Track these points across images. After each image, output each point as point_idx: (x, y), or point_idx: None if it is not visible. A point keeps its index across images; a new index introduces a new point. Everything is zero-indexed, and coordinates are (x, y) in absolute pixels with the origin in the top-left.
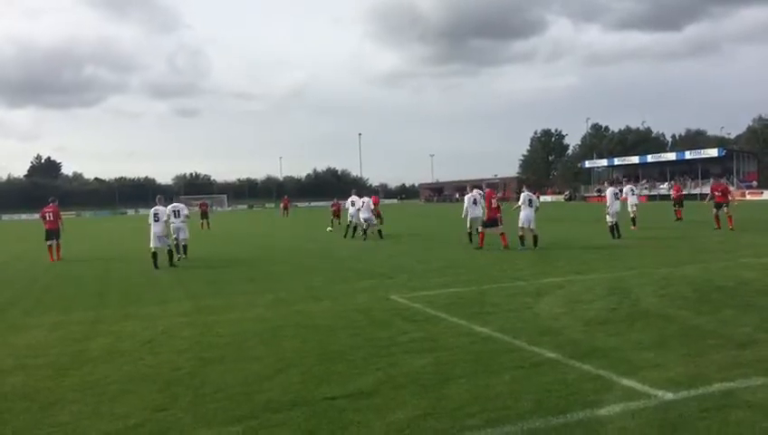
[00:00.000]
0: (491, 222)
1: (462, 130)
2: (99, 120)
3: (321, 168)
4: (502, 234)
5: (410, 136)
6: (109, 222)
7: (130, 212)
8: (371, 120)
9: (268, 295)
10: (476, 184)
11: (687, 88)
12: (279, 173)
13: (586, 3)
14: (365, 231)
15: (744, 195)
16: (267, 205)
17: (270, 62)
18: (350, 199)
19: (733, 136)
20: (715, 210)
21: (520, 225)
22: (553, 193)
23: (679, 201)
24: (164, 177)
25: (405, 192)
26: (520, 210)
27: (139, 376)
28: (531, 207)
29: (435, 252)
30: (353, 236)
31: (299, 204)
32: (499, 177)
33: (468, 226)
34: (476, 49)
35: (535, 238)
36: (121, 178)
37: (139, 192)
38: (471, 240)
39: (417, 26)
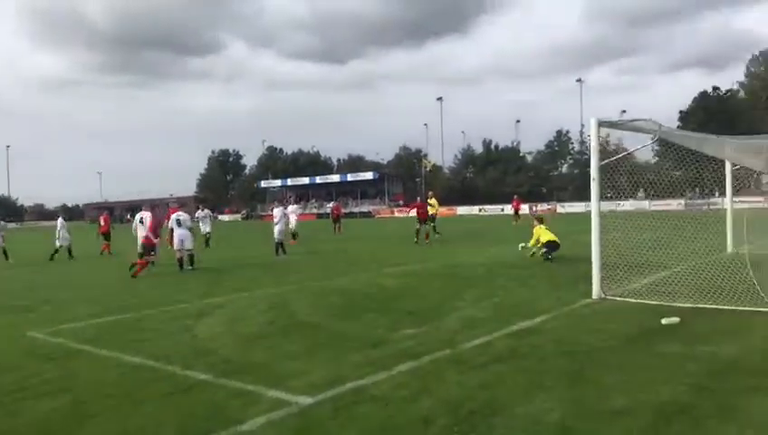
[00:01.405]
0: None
1: (136, 146)
2: None
3: None
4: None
5: (75, 151)
6: None
7: None
8: (24, 131)
9: None
10: (155, 204)
11: (351, 116)
12: None
13: (261, 29)
14: None
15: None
16: None
17: None
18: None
19: (385, 161)
20: (417, 226)
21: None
22: (231, 212)
23: (337, 219)
24: None
25: (68, 212)
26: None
27: None
28: (181, 227)
29: (90, 277)
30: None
31: None
32: (176, 196)
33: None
34: (151, 62)
35: (191, 258)
36: None
37: None
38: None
39: (83, 31)
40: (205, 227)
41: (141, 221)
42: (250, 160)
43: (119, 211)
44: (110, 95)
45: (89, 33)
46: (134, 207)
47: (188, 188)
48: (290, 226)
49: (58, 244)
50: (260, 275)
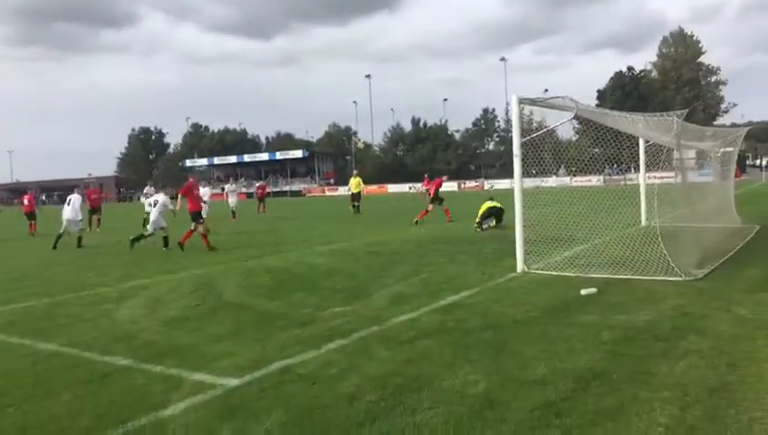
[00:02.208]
0: None
1: (50, 124)
2: None
3: None
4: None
5: None
6: None
7: None
8: None
9: None
10: (74, 184)
11: (278, 94)
12: None
13: (178, 0)
14: None
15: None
16: None
17: None
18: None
19: (315, 139)
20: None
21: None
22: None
23: (262, 198)
24: None
25: None
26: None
27: None
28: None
29: (7, 261)
30: None
31: None
32: (95, 176)
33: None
34: (62, 34)
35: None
36: None
37: None
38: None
39: None
40: (232, 200)
41: (68, 202)
42: (174, 139)
43: (33, 192)
44: (18, 69)
45: None
46: (48, 189)
47: (108, 167)
48: (230, 204)
49: None
50: (183, 256)
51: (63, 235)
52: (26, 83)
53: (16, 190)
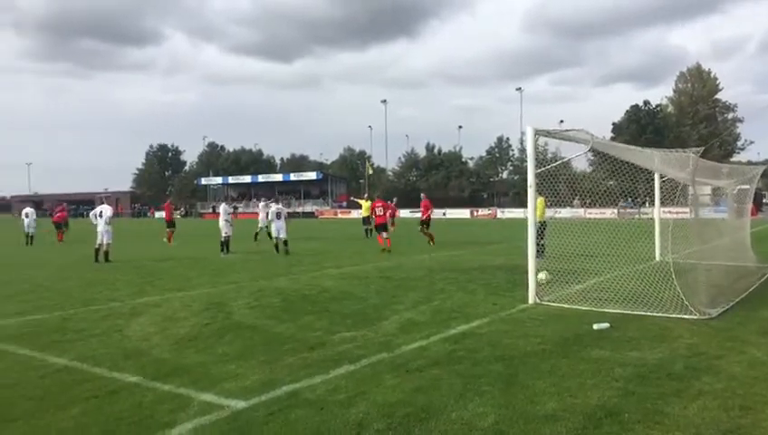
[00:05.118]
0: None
1: (70, 138)
2: None
3: None
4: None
5: (2, 140)
6: None
7: None
8: None
9: None
10: (90, 198)
11: (295, 116)
12: None
13: (203, 22)
14: None
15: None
16: None
17: None
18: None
19: (329, 162)
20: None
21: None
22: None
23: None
24: None
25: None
26: None
27: None
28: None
29: (19, 274)
30: None
31: None
32: (111, 190)
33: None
34: (86, 50)
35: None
36: None
37: None
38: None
39: (11, 13)
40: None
41: (100, 215)
42: (190, 157)
43: (50, 204)
44: (42, 84)
45: (17, 16)
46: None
47: (125, 183)
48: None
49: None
50: (196, 275)
51: (99, 247)
52: (48, 97)
53: (35, 203)
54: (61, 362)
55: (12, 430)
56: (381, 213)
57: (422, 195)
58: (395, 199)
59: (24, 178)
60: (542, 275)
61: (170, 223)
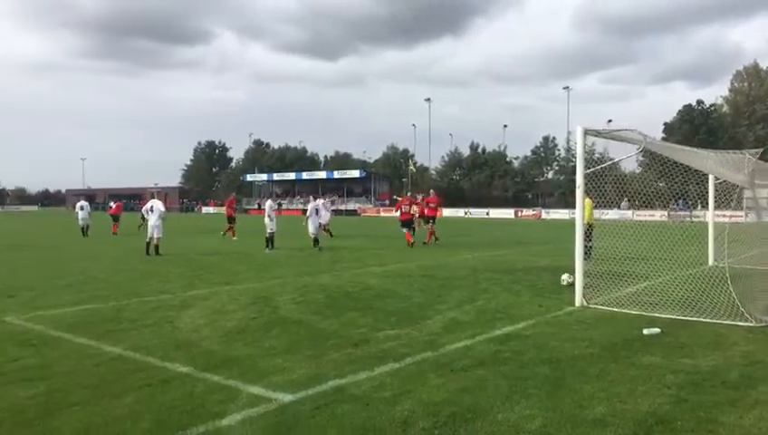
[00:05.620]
0: None
1: (121, 134)
2: None
3: None
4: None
5: (59, 136)
6: None
7: None
8: (6, 115)
9: None
10: (140, 193)
11: (339, 113)
12: None
13: (251, 21)
14: None
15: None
16: None
17: None
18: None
19: (372, 160)
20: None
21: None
22: (216, 205)
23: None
24: None
25: (49, 198)
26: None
27: None
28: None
29: (76, 265)
30: None
31: None
32: (160, 186)
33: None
34: (139, 49)
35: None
36: None
37: None
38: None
39: (68, 13)
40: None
41: (152, 210)
42: (236, 154)
43: (102, 198)
44: (96, 81)
45: (75, 16)
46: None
47: (173, 178)
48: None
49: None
50: (243, 269)
51: (150, 241)
52: (101, 94)
53: (88, 196)
54: (115, 350)
55: (68, 416)
56: (407, 210)
57: (431, 191)
58: (432, 192)
59: (79, 172)
60: (564, 277)
61: (231, 218)
